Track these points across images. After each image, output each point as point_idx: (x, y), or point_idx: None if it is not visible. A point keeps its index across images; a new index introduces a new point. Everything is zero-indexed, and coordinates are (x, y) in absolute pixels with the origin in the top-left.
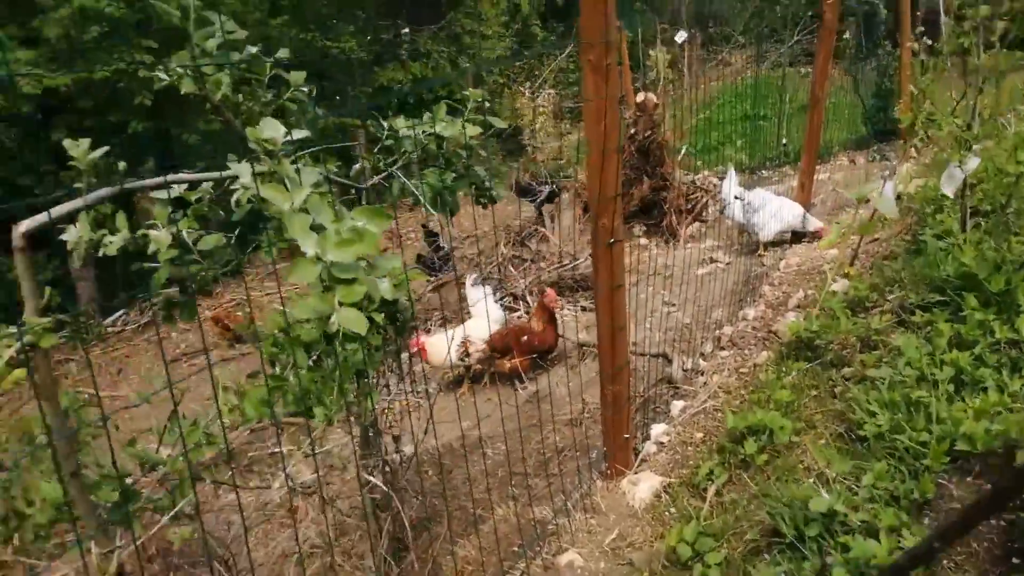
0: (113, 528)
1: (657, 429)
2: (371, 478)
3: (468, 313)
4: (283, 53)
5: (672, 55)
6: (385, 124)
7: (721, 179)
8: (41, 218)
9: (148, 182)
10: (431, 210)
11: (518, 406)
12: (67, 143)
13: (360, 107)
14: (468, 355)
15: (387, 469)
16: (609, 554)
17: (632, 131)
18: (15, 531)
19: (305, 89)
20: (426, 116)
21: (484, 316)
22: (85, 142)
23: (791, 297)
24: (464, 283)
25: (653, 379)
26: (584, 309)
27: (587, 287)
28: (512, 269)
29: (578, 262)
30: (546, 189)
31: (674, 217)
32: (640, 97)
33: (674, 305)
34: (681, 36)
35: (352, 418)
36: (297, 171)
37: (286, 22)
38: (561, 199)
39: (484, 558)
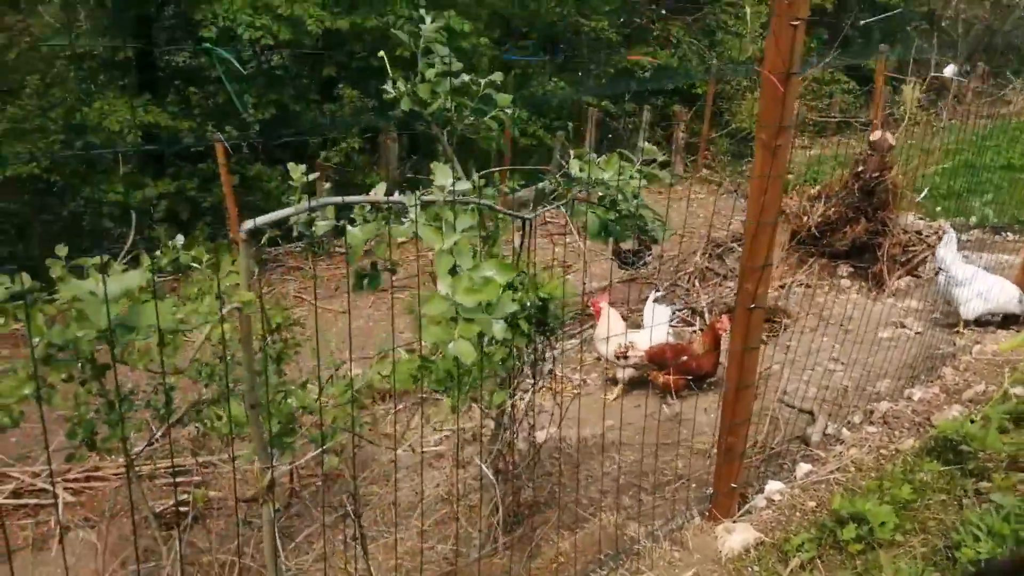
0: (273, 450)
1: (773, 485)
2: (483, 466)
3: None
4: (496, 76)
5: (928, 87)
6: (568, 161)
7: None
8: (263, 218)
9: (330, 200)
10: (590, 239)
11: (659, 421)
12: (290, 166)
13: (599, 88)
14: (626, 358)
15: (505, 456)
16: None
17: (859, 168)
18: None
19: (509, 110)
20: (602, 159)
21: (653, 328)
22: (301, 167)
23: (971, 388)
24: (648, 296)
25: (790, 434)
26: (762, 342)
27: (768, 319)
28: (698, 283)
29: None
30: None
31: (885, 266)
32: (876, 135)
33: (842, 364)
34: (950, 70)
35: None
36: (456, 213)
37: None
38: None
39: (576, 555)
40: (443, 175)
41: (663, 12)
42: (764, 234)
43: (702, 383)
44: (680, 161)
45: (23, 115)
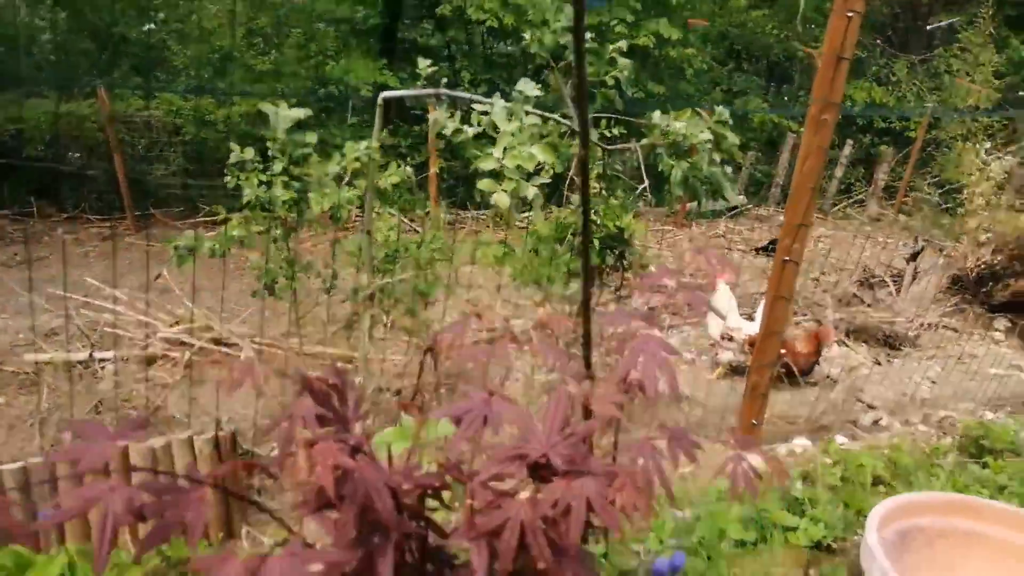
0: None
1: (800, 441)
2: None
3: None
4: (622, 44)
5: None
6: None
7: None
8: (392, 93)
9: (444, 91)
10: (674, 189)
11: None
12: (419, 60)
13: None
14: (730, 339)
15: None
16: None
17: None
18: None
19: (625, 73)
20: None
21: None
22: (427, 62)
23: None
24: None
25: (845, 419)
26: (878, 363)
27: (891, 344)
28: (831, 300)
29: (899, 320)
30: (918, 246)
31: None
32: None
33: (934, 383)
34: None
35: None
36: (527, 113)
37: (765, 15)
38: (922, 261)
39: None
40: (525, 86)
41: (888, 49)
42: (803, 196)
43: (798, 377)
44: (877, 203)
45: (284, 61)
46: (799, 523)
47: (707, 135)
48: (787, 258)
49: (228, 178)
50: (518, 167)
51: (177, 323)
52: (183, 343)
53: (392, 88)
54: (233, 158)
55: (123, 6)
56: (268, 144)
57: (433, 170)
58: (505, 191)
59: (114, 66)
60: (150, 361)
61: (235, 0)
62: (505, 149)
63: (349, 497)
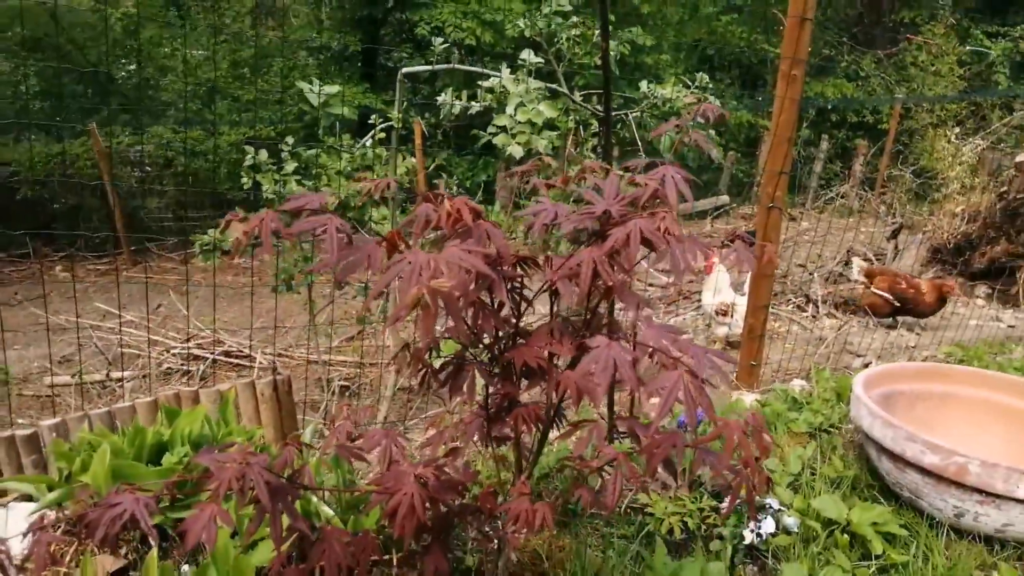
0: None
1: (798, 382)
2: None
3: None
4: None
5: None
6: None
7: None
8: (413, 68)
9: (457, 66)
10: (664, 153)
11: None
12: (434, 39)
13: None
14: (724, 315)
15: None
16: None
17: (1004, 189)
18: None
19: (614, 52)
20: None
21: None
22: (440, 39)
23: None
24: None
25: (837, 364)
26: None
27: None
28: (816, 275)
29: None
30: (897, 222)
31: (1022, 289)
32: (1022, 157)
33: (917, 334)
34: None
35: None
36: (530, 79)
37: (733, 20)
38: (902, 237)
39: None
40: (528, 55)
41: (856, 46)
42: (780, 148)
43: (912, 314)
44: (856, 195)
45: (269, 88)
46: (799, 417)
47: (691, 99)
48: (771, 204)
49: (244, 179)
50: (528, 122)
51: (190, 339)
52: (197, 357)
53: (375, 108)
54: (248, 160)
55: (106, 48)
56: (282, 147)
57: (422, 173)
58: (519, 144)
59: (103, 104)
60: (167, 375)
61: (217, 35)
62: (516, 107)
63: (477, 233)
